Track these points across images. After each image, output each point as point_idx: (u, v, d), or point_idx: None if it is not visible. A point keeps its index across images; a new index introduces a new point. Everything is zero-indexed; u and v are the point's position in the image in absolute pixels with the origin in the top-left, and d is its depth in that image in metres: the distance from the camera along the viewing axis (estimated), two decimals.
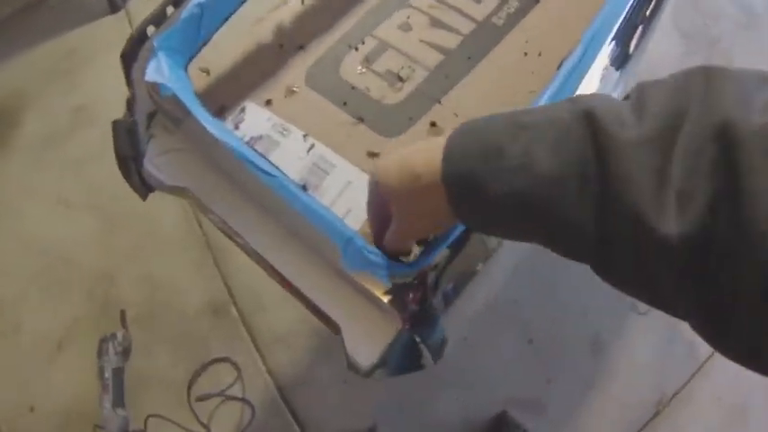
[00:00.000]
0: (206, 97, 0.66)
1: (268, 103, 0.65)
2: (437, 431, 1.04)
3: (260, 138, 0.63)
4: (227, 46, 0.70)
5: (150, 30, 0.63)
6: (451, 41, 0.69)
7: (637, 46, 0.70)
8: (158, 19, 0.65)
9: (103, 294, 1.15)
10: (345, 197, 0.59)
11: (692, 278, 0.24)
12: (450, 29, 0.70)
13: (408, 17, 0.70)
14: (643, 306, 1.13)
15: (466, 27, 0.70)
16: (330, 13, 0.72)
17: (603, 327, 1.12)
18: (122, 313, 1.12)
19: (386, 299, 0.48)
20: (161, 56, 0.59)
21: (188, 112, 0.55)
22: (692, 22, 1.46)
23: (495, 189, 0.31)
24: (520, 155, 0.29)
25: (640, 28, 0.69)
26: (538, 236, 0.32)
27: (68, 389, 1.09)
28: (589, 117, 0.28)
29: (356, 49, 0.68)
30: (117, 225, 1.17)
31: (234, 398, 1.06)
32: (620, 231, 0.26)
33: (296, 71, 0.67)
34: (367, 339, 0.50)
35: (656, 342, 1.12)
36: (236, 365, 1.08)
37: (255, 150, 0.60)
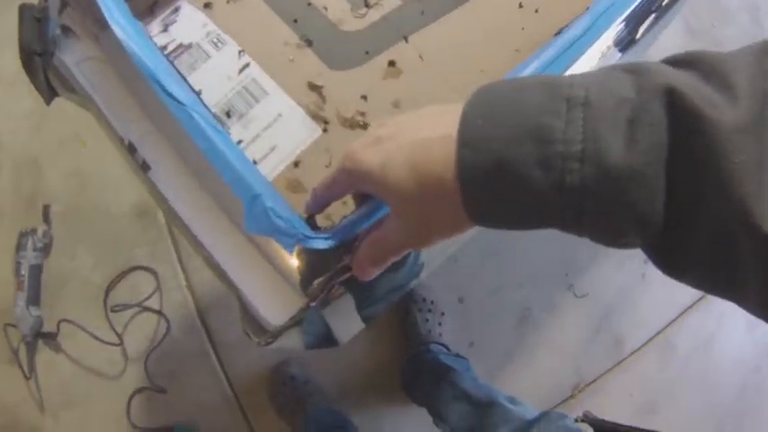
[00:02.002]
0: None
1: (207, 6, 0.52)
2: (352, 368, 0.99)
3: (189, 47, 0.51)
4: None
5: None
6: None
7: (645, 32, 0.59)
8: None
9: (31, 186, 1.03)
10: (272, 132, 0.49)
11: None
12: None
13: None
14: (581, 289, 1.08)
15: None
16: None
17: (536, 302, 1.07)
18: (45, 208, 1.00)
19: (292, 274, 0.39)
20: None
21: (98, 8, 0.42)
22: (700, 19, 1.33)
23: (543, 182, 0.23)
24: (580, 139, 0.23)
25: (653, 15, 0.58)
26: (590, 231, 0.25)
27: None
28: (672, 95, 0.22)
29: None
30: (53, 109, 1.03)
31: (150, 309, 0.98)
32: (716, 229, 0.22)
33: None
34: (268, 311, 0.41)
35: (584, 327, 1.09)
36: (156, 276, 0.99)
37: (173, 65, 0.48)
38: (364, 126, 0.50)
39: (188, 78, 0.49)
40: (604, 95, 0.23)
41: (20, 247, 0.97)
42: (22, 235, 0.98)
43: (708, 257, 0.23)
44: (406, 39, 0.53)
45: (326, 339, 0.46)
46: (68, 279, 0.99)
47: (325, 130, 0.49)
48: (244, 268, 0.44)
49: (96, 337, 0.94)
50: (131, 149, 0.46)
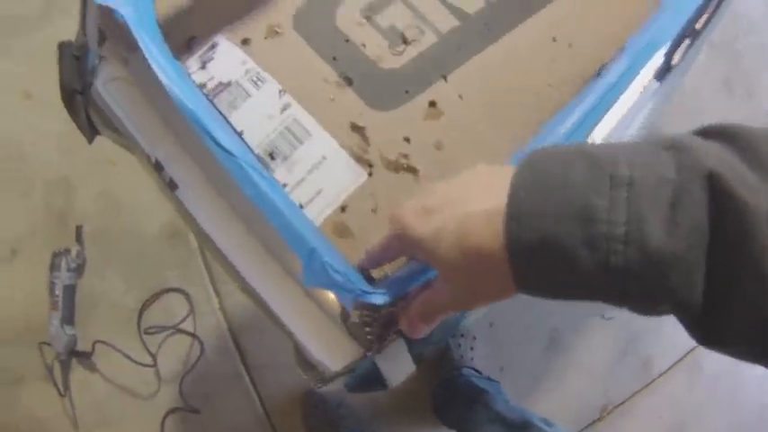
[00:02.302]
0: (174, 24, 0.52)
1: (245, 42, 0.52)
2: (395, 394, 0.98)
3: (228, 85, 0.50)
4: None
5: None
6: (472, 5, 0.55)
7: (681, 59, 0.57)
8: None
9: (62, 205, 1.03)
10: (317, 175, 0.48)
11: None
12: None
13: None
14: (609, 311, 1.06)
15: None
16: None
17: (564, 325, 1.06)
18: (78, 229, 1.01)
19: (347, 325, 0.40)
20: None
21: (139, 50, 0.42)
22: (723, 31, 1.30)
23: (588, 261, 0.24)
24: (623, 221, 0.23)
25: (688, 40, 0.56)
26: (632, 307, 0.25)
27: (17, 299, 1.00)
28: (712, 178, 0.22)
29: None
30: None
31: (184, 332, 0.98)
32: (753, 314, 0.22)
33: (283, 7, 0.53)
34: (323, 357, 0.42)
35: (612, 350, 1.07)
36: (189, 298, 0.99)
37: (215, 105, 0.48)
38: (409, 169, 0.49)
39: (229, 118, 0.49)
40: (647, 174, 0.23)
41: (54, 267, 0.98)
42: (56, 255, 0.99)
43: (745, 338, 0.23)
44: (444, 77, 0.52)
45: (377, 383, 0.45)
46: (100, 299, 1.00)
47: (370, 174, 0.49)
48: (297, 314, 0.44)
49: (130, 359, 0.95)
50: (158, 167, 0.46)
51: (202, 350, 0.96)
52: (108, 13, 0.45)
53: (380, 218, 0.48)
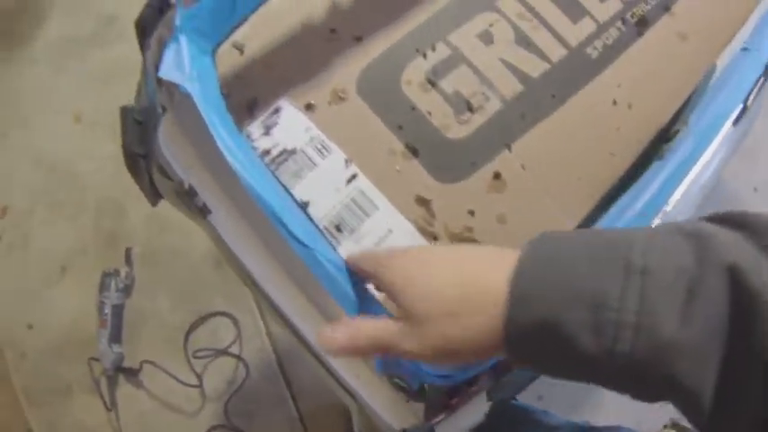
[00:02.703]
0: (236, 84, 0.52)
1: (309, 107, 0.51)
2: None
3: (293, 153, 0.50)
4: (266, 17, 0.54)
5: None
6: (536, 69, 0.54)
7: (754, 100, 0.56)
8: None
9: (111, 225, 1.05)
10: (384, 247, 0.48)
11: None
12: (537, 52, 0.54)
13: (491, 25, 0.55)
14: None
15: (555, 53, 0.55)
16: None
17: None
18: (128, 251, 1.03)
19: (412, 400, 0.40)
20: (183, 42, 0.44)
21: (206, 131, 0.41)
22: None
23: (588, 347, 0.23)
24: (635, 310, 0.22)
25: (762, 80, 0.55)
26: (632, 392, 0.25)
27: (67, 314, 1.03)
28: (731, 273, 0.21)
29: (424, 55, 0.53)
30: None
31: (230, 354, 1.00)
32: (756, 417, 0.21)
33: (347, 70, 0.52)
34: (386, 417, 0.44)
35: None
36: (236, 322, 1.01)
37: (277, 177, 0.48)
38: (473, 242, 0.49)
39: (294, 188, 0.49)
40: (664, 264, 0.22)
41: (103, 287, 1.00)
42: (106, 275, 1.01)
43: None
44: (509, 147, 0.51)
45: None
46: (148, 319, 1.02)
47: None
48: (360, 379, 0.45)
49: (177, 379, 0.97)
50: (191, 193, 0.46)
51: (248, 372, 0.98)
52: (172, 85, 0.45)
53: None
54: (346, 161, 0.49)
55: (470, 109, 0.51)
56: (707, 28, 0.62)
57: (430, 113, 0.51)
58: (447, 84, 0.52)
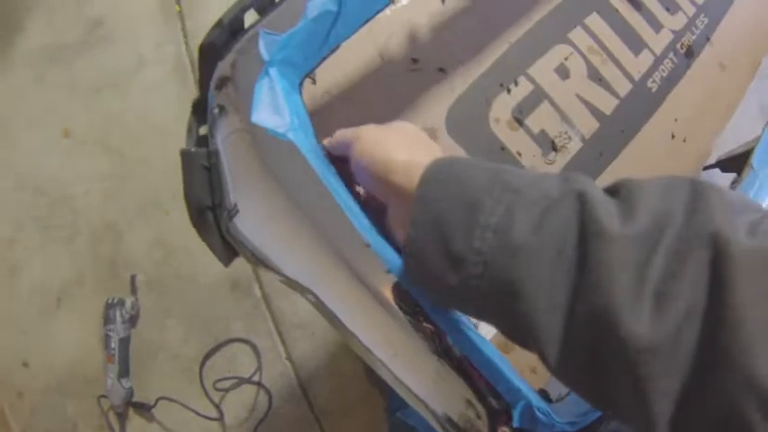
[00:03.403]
0: (313, 119, 0.48)
1: None
2: None
3: None
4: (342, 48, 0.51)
5: (248, 17, 0.45)
6: (608, 105, 0.55)
7: None
8: (262, 2, 0.46)
9: (110, 252, 0.98)
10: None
11: (653, 387, 0.22)
12: (607, 87, 0.56)
13: (566, 59, 0.55)
14: None
15: (623, 88, 0.56)
16: (476, 27, 0.54)
17: None
18: (133, 279, 0.96)
19: None
20: (275, 77, 0.40)
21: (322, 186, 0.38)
22: None
23: (459, 245, 0.27)
24: (499, 215, 0.27)
25: None
26: (486, 310, 0.29)
27: (68, 349, 0.94)
28: (581, 199, 0.26)
29: (508, 90, 0.52)
30: (129, 171, 0.98)
31: (251, 382, 0.95)
32: (587, 321, 0.24)
33: (435, 105, 0.51)
34: None
35: None
36: (255, 349, 0.96)
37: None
38: None
39: None
40: (533, 189, 0.27)
41: (108, 319, 0.93)
42: (109, 306, 0.94)
43: (589, 367, 0.25)
44: None
45: None
46: (158, 350, 0.96)
47: None
48: None
49: (196, 412, 0.92)
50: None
51: (270, 400, 0.94)
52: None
53: None
54: None
55: (555, 149, 0.52)
56: (740, 57, 0.66)
57: (519, 154, 0.51)
58: (532, 122, 0.52)
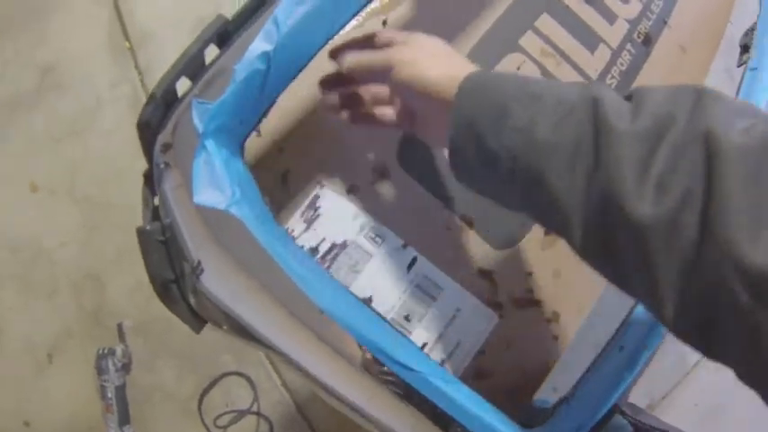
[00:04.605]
0: (260, 168, 0.46)
1: (352, 190, 0.47)
2: None
3: (345, 246, 0.46)
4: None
5: (182, 84, 0.43)
6: None
7: None
8: (193, 67, 0.44)
9: (94, 302, 0.96)
10: (453, 328, 0.46)
11: (657, 262, 0.25)
12: None
13: (518, 68, 0.52)
14: None
15: None
16: None
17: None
18: (120, 327, 0.95)
19: None
20: (212, 149, 0.39)
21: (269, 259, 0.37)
22: None
23: (492, 143, 0.31)
24: (524, 120, 0.30)
25: None
26: (520, 200, 0.32)
27: (65, 403, 0.94)
28: (595, 104, 0.29)
29: None
30: (101, 218, 0.96)
31: (251, 412, 0.95)
32: (601, 205, 0.27)
33: (386, 141, 0.48)
34: None
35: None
36: (249, 379, 0.96)
37: (329, 273, 0.44)
38: (533, 303, 0.48)
39: (353, 284, 0.45)
40: (553, 95, 0.30)
41: (101, 370, 0.92)
42: (101, 357, 0.93)
43: (604, 247, 0.28)
44: None
45: None
46: (154, 392, 0.95)
47: (501, 316, 0.47)
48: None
49: None
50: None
51: (272, 428, 0.94)
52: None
53: (515, 353, 0.47)
54: (403, 246, 0.46)
55: None
56: (700, 35, 0.63)
57: None
58: None
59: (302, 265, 0.39)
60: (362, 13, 0.50)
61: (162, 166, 0.46)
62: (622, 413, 0.60)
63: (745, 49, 0.59)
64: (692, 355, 1.14)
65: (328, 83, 0.43)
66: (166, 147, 0.46)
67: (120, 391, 0.92)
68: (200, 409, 0.94)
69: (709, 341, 0.25)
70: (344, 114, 0.43)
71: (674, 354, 1.14)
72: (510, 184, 0.32)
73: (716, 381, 1.13)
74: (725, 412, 1.13)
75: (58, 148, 0.98)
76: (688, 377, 1.14)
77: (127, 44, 1.03)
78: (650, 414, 0.57)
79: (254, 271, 0.44)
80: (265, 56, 0.39)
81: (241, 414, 0.94)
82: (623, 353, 0.45)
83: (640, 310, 0.46)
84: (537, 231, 0.49)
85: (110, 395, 0.90)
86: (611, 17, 0.59)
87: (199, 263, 0.44)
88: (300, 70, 0.45)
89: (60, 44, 1.00)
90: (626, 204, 0.26)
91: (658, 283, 0.25)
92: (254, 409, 0.95)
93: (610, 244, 0.28)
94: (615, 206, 0.26)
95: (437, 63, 0.37)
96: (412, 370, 0.36)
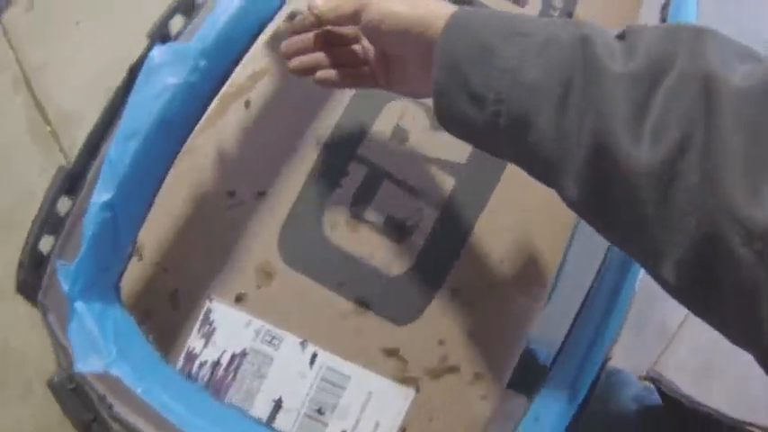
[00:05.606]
0: (148, 292, 0.46)
1: (239, 299, 0.46)
2: None
3: (245, 355, 0.46)
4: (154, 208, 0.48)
5: (45, 243, 0.44)
6: (460, 151, 0.49)
7: None
8: (51, 224, 0.44)
9: None
10: (369, 411, 0.46)
11: (651, 213, 0.24)
12: None
13: (401, 117, 0.50)
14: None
15: None
16: (287, 125, 0.49)
17: None
18: None
19: None
20: (82, 310, 0.39)
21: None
22: None
23: (478, 85, 0.29)
24: (510, 58, 0.29)
25: None
26: (507, 146, 0.31)
27: None
28: (585, 42, 0.27)
29: (339, 184, 0.48)
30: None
31: None
32: (594, 152, 0.26)
33: (264, 238, 0.48)
34: None
35: (630, 327, 1.10)
36: None
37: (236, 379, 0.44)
38: (452, 369, 0.47)
39: (261, 389, 0.45)
40: (541, 32, 0.29)
41: None
42: None
43: (595, 192, 0.27)
44: (458, 255, 0.48)
45: None
46: None
47: (417, 390, 0.46)
48: None
49: None
50: None
51: None
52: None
53: (438, 423, 0.46)
54: (302, 343, 0.46)
55: (408, 232, 0.48)
56: (613, 11, 0.58)
57: (369, 255, 0.47)
58: (374, 211, 0.48)
59: (190, 408, 0.38)
60: (217, 99, 0.49)
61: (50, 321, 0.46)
62: (653, 380, 0.59)
63: None
64: (673, 320, 1.14)
65: (294, 48, 0.40)
66: (45, 307, 0.46)
67: None
68: None
69: (706, 299, 0.24)
70: (318, 75, 0.40)
71: (652, 324, 1.13)
72: (497, 129, 0.30)
73: (700, 341, 1.13)
74: (714, 367, 1.14)
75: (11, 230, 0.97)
76: (672, 343, 1.14)
77: (48, 128, 1.02)
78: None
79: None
80: (108, 205, 0.38)
81: None
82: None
83: None
84: (444, 295, 0.48)
85: None
86: None
87: (105, 396, 0.44)
88: (155, 195, 0.44)
89: None
90: (620, 150, 0.24)
91: (654, 236, 0.24)
92: None
93: (602, 194, 0.26)
94: (608, 152, 0.25)
95: (415, 2, 0.34)
96: None
